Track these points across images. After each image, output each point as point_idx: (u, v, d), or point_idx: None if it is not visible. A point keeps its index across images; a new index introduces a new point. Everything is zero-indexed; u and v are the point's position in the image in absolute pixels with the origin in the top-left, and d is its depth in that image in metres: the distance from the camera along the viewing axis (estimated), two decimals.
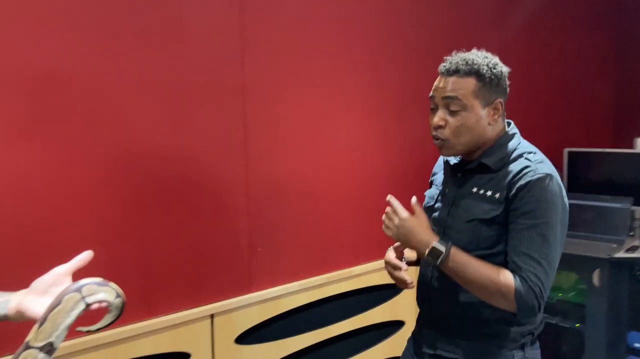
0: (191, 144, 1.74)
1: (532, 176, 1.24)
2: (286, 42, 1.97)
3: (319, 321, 2.12)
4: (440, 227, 1.38)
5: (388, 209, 1.31)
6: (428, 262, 1.34)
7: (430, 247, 1.25)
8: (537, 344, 1.41)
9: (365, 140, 2.29)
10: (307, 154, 2.03)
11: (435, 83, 1.34)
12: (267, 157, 1.89)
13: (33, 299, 0.91)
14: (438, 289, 1.38)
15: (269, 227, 1.91)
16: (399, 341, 2.41)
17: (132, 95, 1.61)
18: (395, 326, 2.45)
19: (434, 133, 1.33)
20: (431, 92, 1.35)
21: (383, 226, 1.32)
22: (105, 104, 1.56)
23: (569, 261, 2.53)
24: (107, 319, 0.98)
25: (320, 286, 2.10)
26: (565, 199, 1.29)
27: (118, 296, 0.96)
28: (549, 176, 1.25)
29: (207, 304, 1.79)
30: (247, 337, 1.91)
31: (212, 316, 1.80)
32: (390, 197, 1.31)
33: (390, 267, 1.41)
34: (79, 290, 0.91)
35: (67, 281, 0.95)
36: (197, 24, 1.72)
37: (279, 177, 1.96)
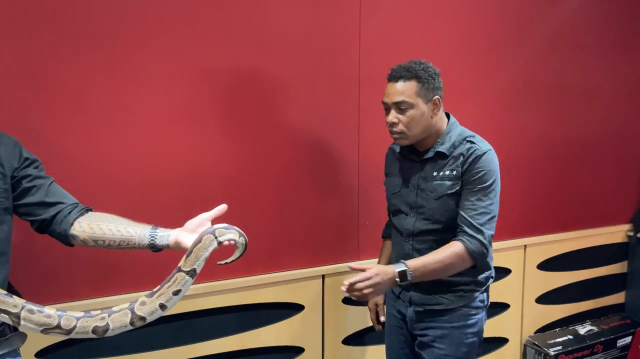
0: (317, 130, 2.03)
1: (478, 152, 1.59)
2: (397, 33, 2.14)
3: None
4: (413, 208, 1.68)
5: (359, 283, 1.45)
6: (401, 284, 1.52)
7: (396, 274, 1.49)
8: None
9: (481, 128, 2.37)
10: None
11: (386, 90, 1.63)
12: (376, 142, 2.10)
13: (186, 235, 1.22)
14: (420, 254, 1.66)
15: (376, 205, 2.13)
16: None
17: (285, 89, 1.96)
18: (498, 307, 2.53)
19: (391, 129, 1.63)
20: (383, 98, 1.64)
21: (361, 295, 1.46)
22: (273, 102, 1.94)
23: None
24: (236, 254, 1.26)
25: None
26: (496, 166, 1.61)
27: (241, 235, 1.24)
28: (490, 151, 1.61)
29: (319, 265, 2.08)
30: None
31: (323, 277, 2.09)
32: (347, 282, 1.46)
33: (374, 316, 1.89)
34: (212, 232, 1.19)
35: (208, 224, 1.24)
36: (326, 21, 1.99)
37: None
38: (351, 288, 1.45)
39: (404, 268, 1.50)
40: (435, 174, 1.64)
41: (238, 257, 1.27)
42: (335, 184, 2.10)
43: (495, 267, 2.46)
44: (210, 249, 1.19)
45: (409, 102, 1.58)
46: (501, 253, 2.48)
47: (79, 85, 1.64)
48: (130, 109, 1.72)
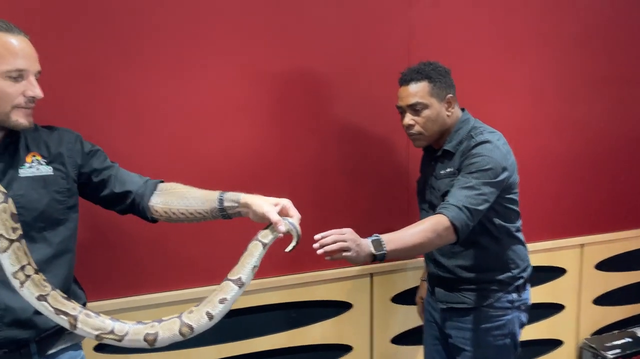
0: (367, 126, 2.00)
1: (473, 143, 1.56)
2: (447, 27, 2.09)
3: None
4: (431, 207, 1.70)
5: (339, 240, 1.30)
6: (375, 256, 1.37)
7: (370, 243, 1.35)
8: (529, 286, 1.72)
9: (538, 123, 2.31)
10: None
11: (399, 94, 1.66)
12: None
13: (260, 199, 1.19)
14: (439, 251, 1.69)
15: None
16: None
17: (335, 85, 1.95)
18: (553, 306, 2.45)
19: (408, 131, 1.65)
20: (398, 102, 1.66)
21: (337, 249, 1.30)
22: (317, 97, 1.93)
23: None
24: (294, 238, 1.18)
25: None
26: (500, 157, 1.54)
27: (285, 224, 1.16)
28: (487, 142, 1.55)
29: (367, 264, 2.05)
30: (403, 297, 2.14)
31: (371, 275, 2.07)
32: (319, 235, 1.31)
33: (420, 308, 1.96)
34: (256, 238, 1.16)
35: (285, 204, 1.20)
36: (376, 16, 1.97)
37: None
38: (324, 241, 1.30)
39: (378, 237, 1.38)
40: (442, 172, 1.65)
41: (297, 241, 1.19)
42: (384, 180, 2.07)
43: (549, 267, 2.42)
44: (256, 254, 1.15)
45: (423, 102, 1.60)
46: (555, 252, 2.40)
47: (138, 87, 1.67)
48: (188, 110, 1.74)
